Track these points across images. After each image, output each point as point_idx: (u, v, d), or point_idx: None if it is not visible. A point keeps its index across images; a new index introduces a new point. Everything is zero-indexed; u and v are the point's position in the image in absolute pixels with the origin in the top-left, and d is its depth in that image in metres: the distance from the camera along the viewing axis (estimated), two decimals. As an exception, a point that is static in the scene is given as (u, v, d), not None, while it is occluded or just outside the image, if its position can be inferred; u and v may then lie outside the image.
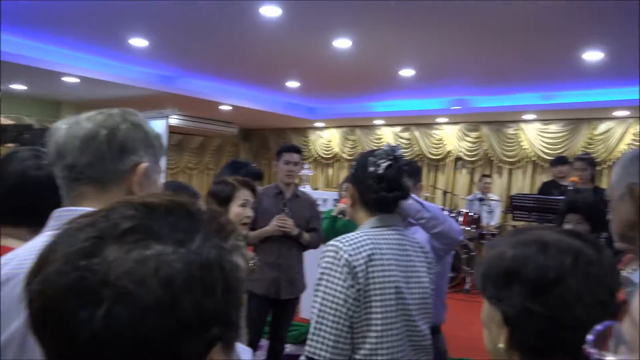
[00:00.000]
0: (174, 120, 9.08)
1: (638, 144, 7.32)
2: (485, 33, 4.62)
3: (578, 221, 2.48)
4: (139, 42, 5.49)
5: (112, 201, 0.55)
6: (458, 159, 8.21)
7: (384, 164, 1.59)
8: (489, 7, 3.97)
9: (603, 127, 7.68)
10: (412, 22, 4.46)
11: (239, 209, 2.26)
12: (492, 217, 7.38)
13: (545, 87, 6.72)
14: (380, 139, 9.87)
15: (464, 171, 8.66)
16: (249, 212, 2.27)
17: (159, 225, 0.51)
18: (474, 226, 6.92)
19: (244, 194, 2.23)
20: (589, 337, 0.50)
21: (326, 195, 5.29)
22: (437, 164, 9.42)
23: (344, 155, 10.42)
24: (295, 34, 4.96)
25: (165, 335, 0.47)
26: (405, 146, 9.62)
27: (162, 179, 3.82)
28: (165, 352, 0.48)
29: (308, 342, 1.47)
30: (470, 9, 4.04)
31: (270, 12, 4.34)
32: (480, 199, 7.22)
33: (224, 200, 2.25)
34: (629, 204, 1.34)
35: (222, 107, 8.52)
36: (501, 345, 0.83)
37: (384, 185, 1.59)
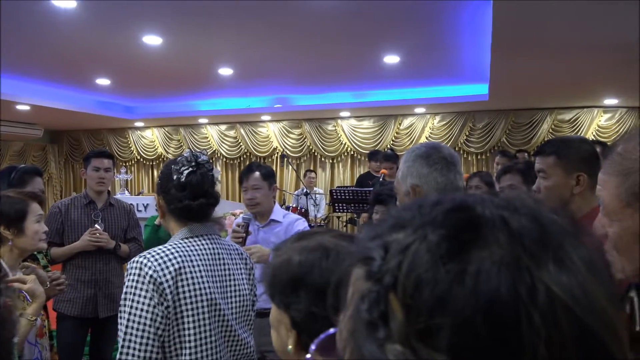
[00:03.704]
0: (-43, 122, 7.70)
1: (435, 137, 8.42)
2: (298, 36, 4.82)
3: (384, 212, 2.68)
4: None
5: None
6: (283, 155, 8.46)
7: (186, 171, 1.54)
8: (299, 11, 4.14)
9: (407, 122, 8.65)
10: (223, 23, 4.44)
11: (36, 225, 2.02)
12: (319, 210, 7.77)
13: (356, 86, 7.31)
14: (206, 137, 9.69)
15: (290, 167, 8.96)
16: (45, 227, 2.03)
17: None
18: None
19: (36, 208, 1.98)
20: (312, 345, 0.51)
21: (148, 200, 4.98)
22: (264, 161, 9.58)
23: (169, 156, 9.97)
24: (96, 28, 4.57)
25: None
26: (231, 144, 9.60)
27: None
28: None
29: None
30: (282, 12, 4.16)
31: (63, 3, 3.95)
32: (306, 194, 7.54)
33: (17, 218, 1.97)
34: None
35: (19, 107, 7.47)
36: (290, 347, 0.86)
37: (187, 193, 1.53)
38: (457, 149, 8.26)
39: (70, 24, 4.43)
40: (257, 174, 2.71)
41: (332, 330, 0.50)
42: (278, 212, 2.81)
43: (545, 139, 7.92)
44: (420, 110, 8.27)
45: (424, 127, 8.54)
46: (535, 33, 4.05)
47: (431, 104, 7.71)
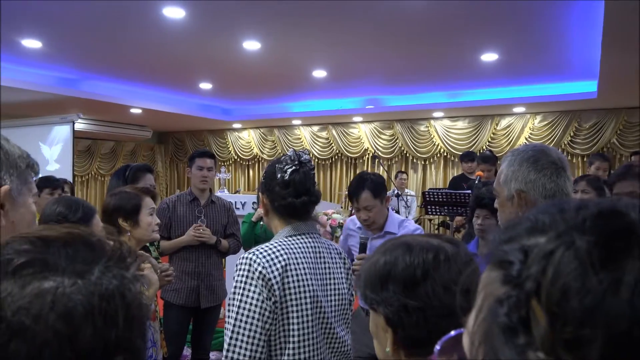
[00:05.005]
0: (81, 125, 8.57)
1: (535, 137, 7.96)
2: (391, 36, 4.79)
3: (486, 216, 2.54)
4: (32, 43, 5.13)
5: None
6: (375, 156, 8.45)
7: (290, 170, 1.58)
8: (394, 12, 4.11)
9: (504, 122, 8.25)
10: (319, 25, 4.51)
11: (149, 218, 2.20)
12: (410, 212, 7.68)
13: (450, 86, 7.11)
14: (299, 138, 9.93)
15: (381, 168, 8.93)
16: (158, 220, 2.21)
17: (56, 258, 0.51)
18: (392, 221, 7.14)
19: (149, 202, 2.17)
20: (436, 346, 0.51)
21: (245, 199, 5.22)
22: (355, 161, 9.65)
23: (264, 156, 10.38)
24: (202, 35, 4.86)
25: None
26: (323, 145, 9.76)
27: (68, 191, 3.53)
28: None
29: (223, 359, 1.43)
30: (376, 13, 4.16)
31: (174, 13, 4.23)
32: (397, 195, 7.47)
33: (132, 211, 2.16)
34: (515, 207, 1.45)
35: (132, 110, 8.17)
36: (388, 348, 0.88)
37: (291, 191, 1.57)
38: (560, 150, 7.74)
39: (179, 32, 4.75)
40: (366, 194, 2.53)
41: (453, 332, 0.51)
42: (393, 223, 2.64)
43: (664, 140, 7.19)
44: (519, 109, 7.86)
45: (523, 128, 8.11)
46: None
47: (532, 103, 7.30)
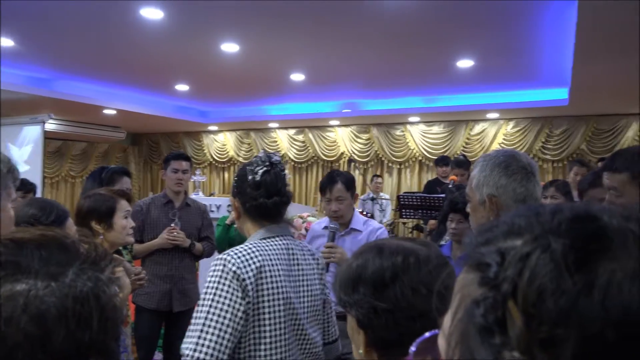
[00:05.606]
0: (52, 125, 8.37)
1: (508, 143, 8.12)
2: (369, 41, 4.83)
3: (460, 220, 2.58)
4: (3, 41, 4.99)
5: None
6: (351, 160, 8.49)
7: (260, 171, 1.59)
8: (372, 17, 4.15)
9: (478, 128, 8.41)
10: (297, 29, 4.53)
11: (123, 221, 2.16)
12: (385, 215, 7.73)
13: (426, 91, 7.20)
14: (275, 141, 9.91)
15: (357, 171, 8.98)
16: (132, 223, 2.17)
17: (29, 260, 0.51)
18: (368, 224, 7.17)
19: (124, 205, 2.13)
20: (412, 348, 0.52)
21: (220, 202, 5.17)
22: (331, 165, 9.67)
23: (240, 159, 10.32)
24: (180, 37, 4.81)
25: None
26: (299, 148, 9.75)
27: (38, 192, 3.46)
28: None
29: None
30: (354, 17, 4.19)
31: (151, 14, 4.18)
32: (372, 199, 7.51)
33: (106, 214, 2.12)
34: (487, 211, 1.48)
35: (106, 111, 8.03)
36: (361, 350, 0.90)
37: (262, 192, 1.58)
38: (532, 156, 7.88)
39: (156, 33, 4.69)
40: (340, 185, 2.67)
41: (428, 334, 0.51)
42: (358, 221, 2.77)
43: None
44: (493, 115, 8.01)
45: (496, 133, 8.28)
46: (623, 33, 3.81)
47: (505, 109, 7.46)
